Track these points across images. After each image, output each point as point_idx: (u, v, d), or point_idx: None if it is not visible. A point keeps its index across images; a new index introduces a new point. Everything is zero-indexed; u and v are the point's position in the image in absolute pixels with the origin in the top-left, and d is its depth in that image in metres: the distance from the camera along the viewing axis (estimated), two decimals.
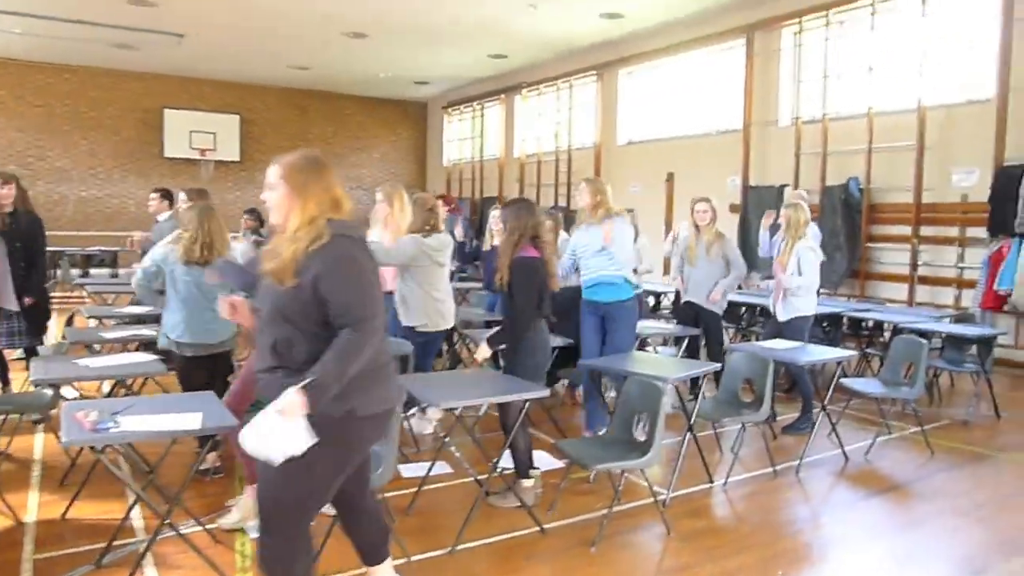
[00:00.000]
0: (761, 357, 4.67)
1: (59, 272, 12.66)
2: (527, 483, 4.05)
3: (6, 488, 4.04)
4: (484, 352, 4.08)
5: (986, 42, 8.01)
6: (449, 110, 17.60)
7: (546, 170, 14.22)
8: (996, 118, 7.73)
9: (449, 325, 5.10)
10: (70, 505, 3.80)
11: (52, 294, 10.49)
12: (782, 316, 5.48)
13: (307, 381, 2.29)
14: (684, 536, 3.75)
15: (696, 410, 4.44)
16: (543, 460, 4.59)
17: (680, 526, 3.85)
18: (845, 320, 7.42)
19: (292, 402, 2.28)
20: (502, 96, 15.45)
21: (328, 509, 2.80)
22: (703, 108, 11.47)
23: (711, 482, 4.46)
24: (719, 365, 4.75)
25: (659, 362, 4.79)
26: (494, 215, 6.17)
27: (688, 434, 4.41)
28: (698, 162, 11.16)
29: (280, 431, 2.28)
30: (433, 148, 18.85)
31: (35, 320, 5.50)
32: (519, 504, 3.92)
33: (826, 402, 5.04)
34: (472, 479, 4.19)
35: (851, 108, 9.26)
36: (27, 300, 5.33)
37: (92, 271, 13.26)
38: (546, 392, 3.86)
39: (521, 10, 10.49)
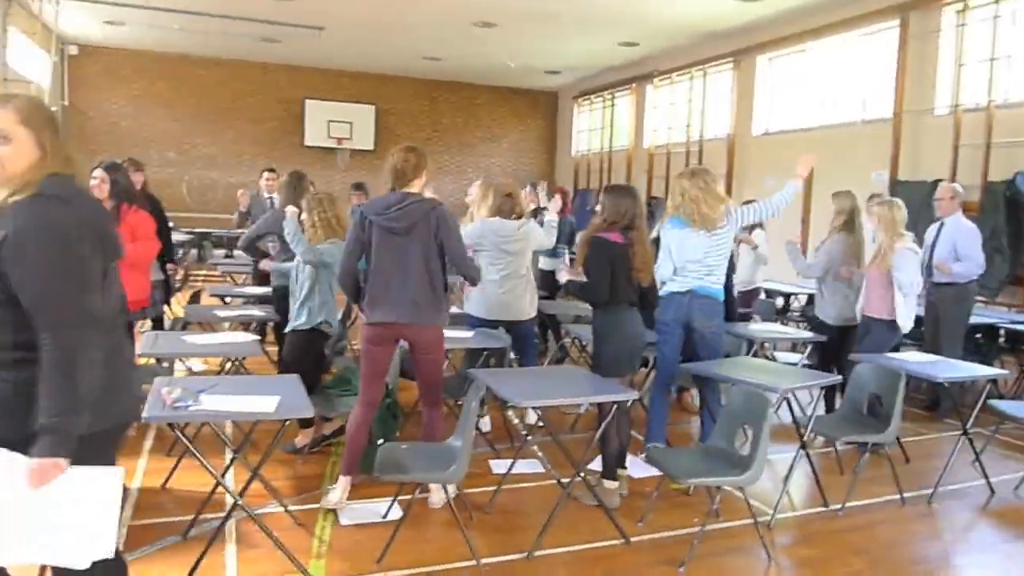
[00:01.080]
0: (891, 370, 4.17)
1: (201, 252, 13.55)
2: (610, 484, 3.86)
3: (118, 453, 4.26)
4: (562, 276, 4.21)
5: None
6: (579, 100, 17.35)
7: (676, 162, 13.67)
8: None
9: (513, 317, 4.85)
10: (170, 475, 3.95)
11: (193, 272, 11.36)
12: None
13: (39, 441, 1.76)
14: (788, 564, 3.39)
15: (811, 424, 4.02)
16: (639, 466, 4.33)
17: (784, 553, 3.49)
18: (1002, 332, 6.61)
19: (37, 472, 1.75)
20: (633, 85, 15.03)
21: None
22: (848, 96, 10.61)
23: (826, 506, 4.04)
24: (839, 377, 4.28)
25: (771, 370, 4.39)
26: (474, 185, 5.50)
27: (800, 450, 4.00)
28: (841, 155, 10.31)
29: (61, 520, 1.69)
30: (562, 138, 18.68)
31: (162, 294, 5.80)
32: (598, 503, 3.71)
33: (969, 425, 4.45)
34: (554, 480, 4.00)
35: (1021, 95, 8.23)
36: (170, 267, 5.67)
37: (236, 252, 14.09)
38: (631, 395, 3.63)
39: None
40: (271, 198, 7.59)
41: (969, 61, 8.76)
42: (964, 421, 4.48)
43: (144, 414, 2.71)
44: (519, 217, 4.81)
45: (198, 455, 3.03)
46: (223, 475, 3.58)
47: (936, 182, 8.66)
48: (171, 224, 10.85)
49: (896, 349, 5.16)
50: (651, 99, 14.65)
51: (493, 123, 18.42)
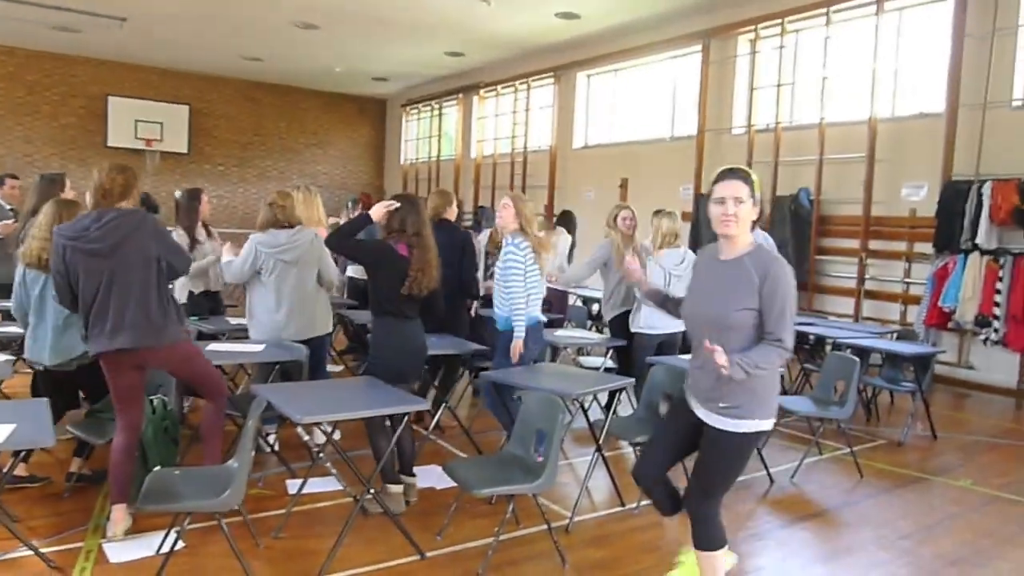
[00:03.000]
0: (681, 370, 4.37)
1: None
2: (393, 489, 3.83)
3: None
4: None
5: (938, 56, 7.87)
6: (408, 108, 17.23)
7: (502, 172, 13.92)
8: (945, 132, 7.58)
9: (266, 337, 4.58)
10: None
11: None
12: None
13: None
14: (580, 567, 3.43)
15: (606, 427, 4.13)
16: (441, 478, 4.24)
17: (579, 556, 3.53)
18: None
19: None
20: (460, 96, 15.13)
21: None
22: (659, 113, 11.26)
23: (622, 505, 4.16)
24: (631, 379, 4.45)
25: (567, 375, 4.47)
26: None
27: (596, 453, 4.10)
28: (652, 169, 10.94)
29: None
30: (391, 147, 18.46)
31: None
32: (383, 511, 3.61)
33: None
34: (349, 497, 3.84)
35: (804, 118, 9.09)
36: None
37: None
38: (421, 405, 3.57)
39: (475, 5, 10.17)
40: (12, 209, 6.69)
41: (761, 85, 9.55)
42: None
43: None
44: (291, 226, 4.56)
45: None
46: None
47: None
48: None
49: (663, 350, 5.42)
50: (477, 110, 14.82)
51: (320, 129, 17.87)
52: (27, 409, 2.95)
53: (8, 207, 6.47)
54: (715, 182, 2.66)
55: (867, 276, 8.39)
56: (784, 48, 9.18)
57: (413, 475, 4.04)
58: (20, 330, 4.52)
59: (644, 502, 4.15)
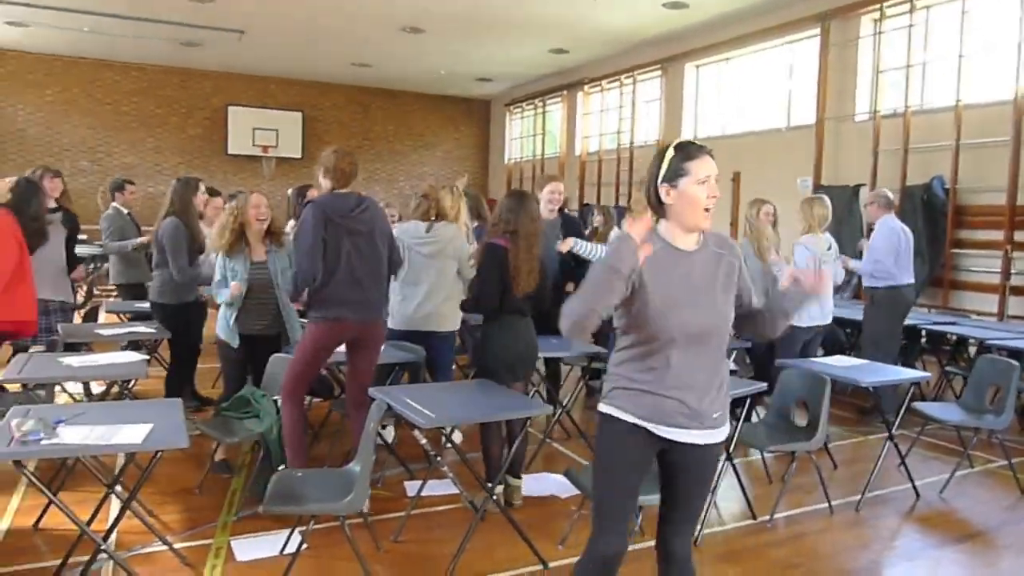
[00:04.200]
0: (817, 375, 4.07)
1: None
2: (514, 481, 3.85)
3: None
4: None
5: None
6: (511, 108, 17.23)
7: (607, 168, 13.67)
8: None
9: (398, 327, 4.58)
10: (44, 512, 3.55)
11: (104, 288, 10.70)
12: None
13: None
14: None
15: (737, 435, 3.88)
16: (562, 485, 4.12)
17: (711, 571, 3.32)
18: (923, 334, 6.67)
19: None
20: (564, 93, 14.98)
21: None
22: (773, 103, 10.73)
23: (754, 519, 3.90)
24: (763, 385, 4.17)
25: None
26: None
27: (726, 461, 3.86)
28: (766, 161, 10.43)
29: None
30: (495, 146, 18.52)
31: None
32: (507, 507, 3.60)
33: (895, 428, 4.39)
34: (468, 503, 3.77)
35: (937, 101, 8.41)
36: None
37: None
38: (545, 410, 3.46)
39: (581, 2, 10.01)
40: (129, 213, 6.96)
41: (887, 67, 8.92)
42: (889, 424, 4.42)
43: None
44: (437, 220, 4.54)
45: (44, 490, 2.69)
46: (96, 511, 3.23)
47: (858, 187, 8.82)
48: (83, 237, 10.27)
49: (808, 348, 5.23)
50: (582, 106, 14.63)
51: (426, 131, 18.14)
52: (161, 409, 3.02)
53: (126, 211, 6.76)
54: (688, 159, 2.19)
55: (1013, 271, 7.66)
56: (914, 27, 8.54)
57: (519, 477, 3.98)
58: (152, 331, 4.73)
59: (778, 514, 3.89)
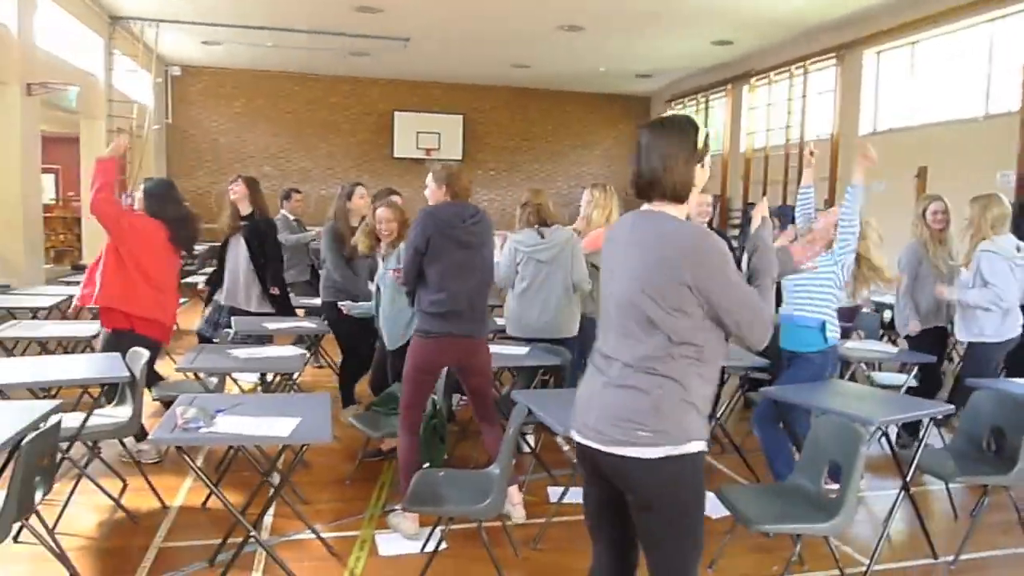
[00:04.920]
0: (1016, 399, 3.55)
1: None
2: None
3: (168, 470, 4.18)
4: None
5: None
6: (672, 103, 16.73)
7: (774, 165, 12.93)
8: None
9: (549, 335, 4.48)
10: (211, 494, 3.79)
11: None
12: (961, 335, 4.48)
13: None
14: None
15: (915, 461, 3.46)
16: (714, 505, 3.85)
17: None
18: None
19: None
20: (728, 87, 14.34)
21: None
22: (967, 89, 9.64)
23: (934, 557, 3.46)
24: (951, 407, 3.68)
25: (867, 396, 3.82)
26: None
27: (902, 492, 3.45)
28: (959, 154, 9.38)
29: None
30: None
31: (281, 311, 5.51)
32: None
33: None
34: None
35: None
36: (273, 290, 5.38)
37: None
38: None
39: None
40: (297, 220, 7.29)
41: None
42: None
43: (151, 434, 2.53)
44: (548, 224, 4.47)
45: (203, 477, 2.83)
46: (253, 496, 3.39)
47: None
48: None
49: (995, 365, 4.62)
50: (747, 100, 13.93)
51: (584, 130, 18.04)
52: (313, 403, 3.12)
53: (293, 219, 7.14)
54: (705, 147, 2.01)
55: None
56: None
57: None
58: (313, 326, 4.97)
59: (964, 556, 3.42)
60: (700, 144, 1.97)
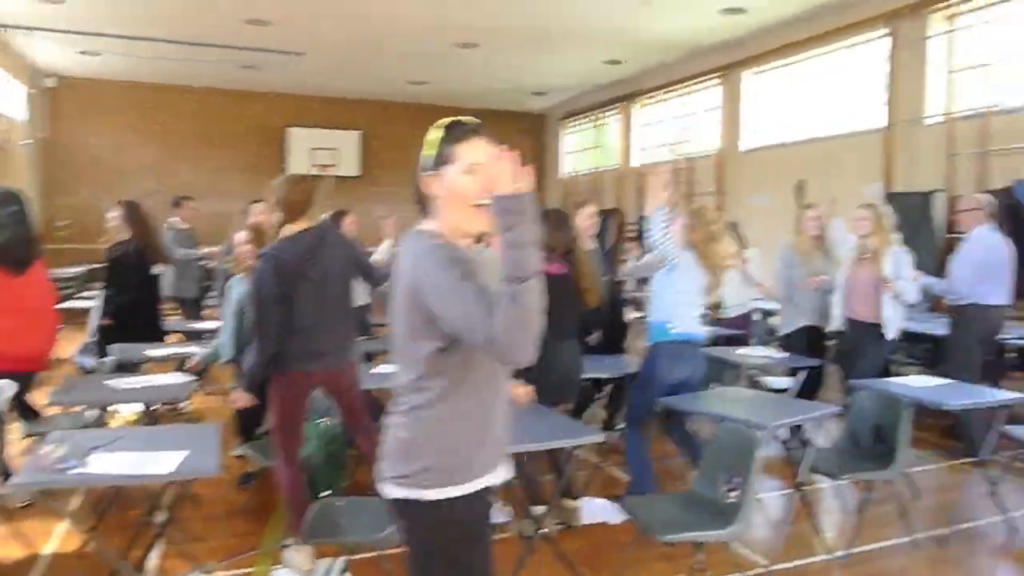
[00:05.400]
0: (896, 397, 3.76)
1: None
2: (536, 510, 3.57)
3: (41, 514, 3.84)
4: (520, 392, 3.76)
5: None
6: (566, 121, 17.08)
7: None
8: None
9: None
10: (89, 537, 3.51)
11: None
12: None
13: None
14: None
15: (806, 460, 3.60)
16: (606, 510, 3.90)
17: None
18: (1012, 350, 6.20)
19: None
20: (620, 104, 14.76)
21: None
22: (837, 108, 10.30)
23: (828, 553, 3.60)
24: (838, 408, 3.87)
25: (758, 402, 3.97)
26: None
27: (794, 491, 3.58)
28: (832, 168, 9.99)
29: None
30: (550, 160, 18.37)
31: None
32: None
33: (984, 454, 4.03)
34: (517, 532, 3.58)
35: (1017, 100, 7.90)
36: (104, 320, 5.15)
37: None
38: (596, 437, 3.26)
39: (634, 10, 9.80)
40: (190, 229, 7.08)
41: (960, 68, 8.45)
42: (976, 449, 4.05)
43: (12, 479, 2.30)
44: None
45: (73, 522, 2.60)
46: (136, 536, 3.16)
47: (931, 193, 8.34)
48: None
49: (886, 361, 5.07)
50: (638, 117, 14.38)
51: None
52: (200, 435, 2.93)
53: (185, 227, 6.87)
54: (455, 141, 1.80)
55: None
56: (989, 23, 8.06)
57: (576, 499, 3.84)
58: (198, 350, 4.71)
59: (855, 550, 3.58)
60: (435, 151, 1.80)
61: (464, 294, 1.58)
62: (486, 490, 1.80)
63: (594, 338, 4.82)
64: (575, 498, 3.84)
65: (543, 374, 3.69)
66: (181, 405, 4.49)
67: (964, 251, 5.39)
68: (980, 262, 5.19)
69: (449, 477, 1.72)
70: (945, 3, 8.47)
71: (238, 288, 4.06)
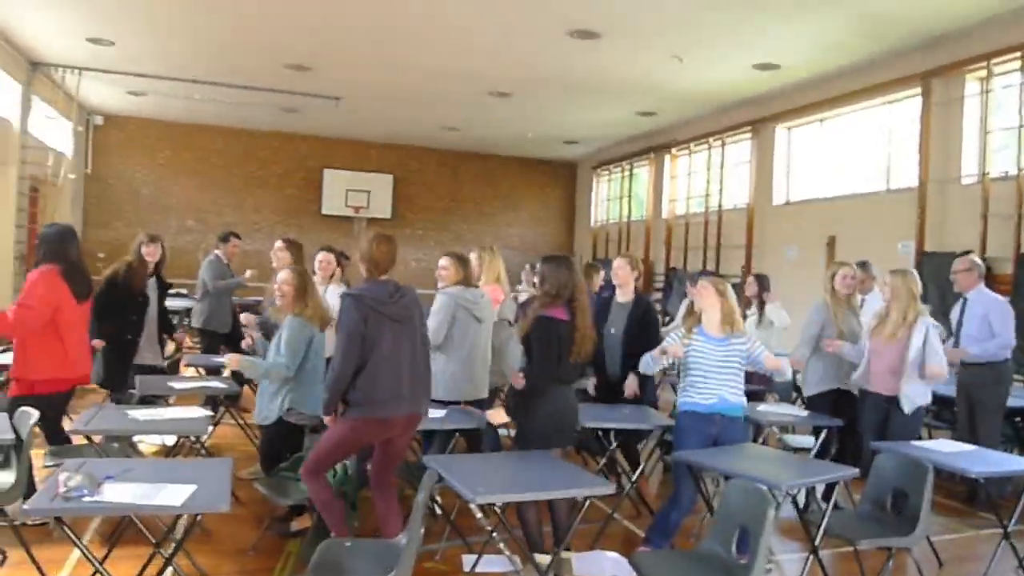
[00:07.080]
0: (917, 462, 3.67)
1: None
2: (539, 558, 3.48)
3: (54, 541, 3.88)
4: (498, 416, 3.76)
5: None
6: (598, 170, 17.24)
7: (694, 232, 13.38)
8: None
9: (480, 395, 4.49)
10: (103, 561, 3.53)
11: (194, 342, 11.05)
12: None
13: None
14: None
15: (823, 525, 3.51)
16: (616, 565, 3.83)
17: None
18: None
19: None
20: (651, 155, 14.87)
21: None
22: (871, 165, 10.26)
23: None
24: (855, 471, 3.78)
25: (775, 460, 3.89)
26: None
27: (811, 556, 3.49)
28: (864, 225, 9.92)
29: None
30: (581, 209, 18.51)
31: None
32: None
33: (1010, 524, 3.89)
34: None
35: None
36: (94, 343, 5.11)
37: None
38: (607, 489, 3.21)
39: (668, 64, 9.95)
40: (228, 264, 7.24)
41: (997, 128, 8.39)
42: (1003, 519, 3.92)
43: (26, 506, 2.35)
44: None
45: (86, 553, 2.63)
46: (144, 568, 3.18)
47: (965, 253, 8.22)
48: (182, 291, 10.63)
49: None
50: (669, 169, 14.46)
51: (513, 192, 18.34)
52: (211, 470, 2.97)
53: (226, 262, 7.05)
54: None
55: None
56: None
57: (567, 548, 3.75)
58: (224, 386, 4.77)
59: None
60: None
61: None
62: None
63: (590, 384, 4.87)
64: (567, 549, 3.77)
65: (535, 417, 3.72)
66: (202, 438, 4.53)
67: (999, 309, 5.37)
68: (1010, 321, 5.18)
69: None
70: (981, 64, 8.46)
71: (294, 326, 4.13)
